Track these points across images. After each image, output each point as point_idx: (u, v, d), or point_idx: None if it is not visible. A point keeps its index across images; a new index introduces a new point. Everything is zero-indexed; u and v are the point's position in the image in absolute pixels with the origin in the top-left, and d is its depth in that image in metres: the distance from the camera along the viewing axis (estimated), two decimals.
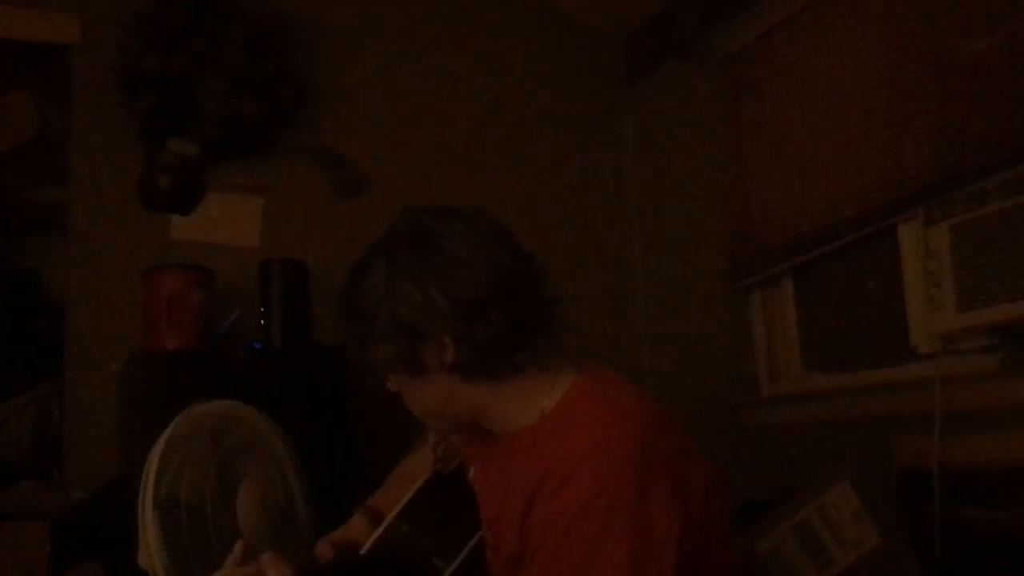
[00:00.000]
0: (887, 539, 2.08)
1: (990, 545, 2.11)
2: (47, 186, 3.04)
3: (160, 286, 2.47)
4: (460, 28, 3.44)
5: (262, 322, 2.56)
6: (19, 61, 2.99)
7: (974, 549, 2.13)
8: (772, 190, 2.93)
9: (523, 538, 1.24)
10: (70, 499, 2.39)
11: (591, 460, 1.16)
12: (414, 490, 1.46)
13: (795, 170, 2.84)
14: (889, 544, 2.08)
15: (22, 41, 2.85)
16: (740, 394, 3.05)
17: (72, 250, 2.85)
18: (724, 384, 3.11)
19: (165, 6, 2.82)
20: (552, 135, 3.51)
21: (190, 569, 1.37)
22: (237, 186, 3.00)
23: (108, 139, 2.88)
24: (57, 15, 2.86)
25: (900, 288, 2.52)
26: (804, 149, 2.81)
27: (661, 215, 3.47)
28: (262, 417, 1.73)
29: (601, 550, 1.13)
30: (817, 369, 2.92)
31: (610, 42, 3.66)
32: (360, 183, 3.15)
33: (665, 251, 3.45)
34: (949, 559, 2.14)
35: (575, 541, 1.14)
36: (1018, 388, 2.17)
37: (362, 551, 1.39)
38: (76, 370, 2.77)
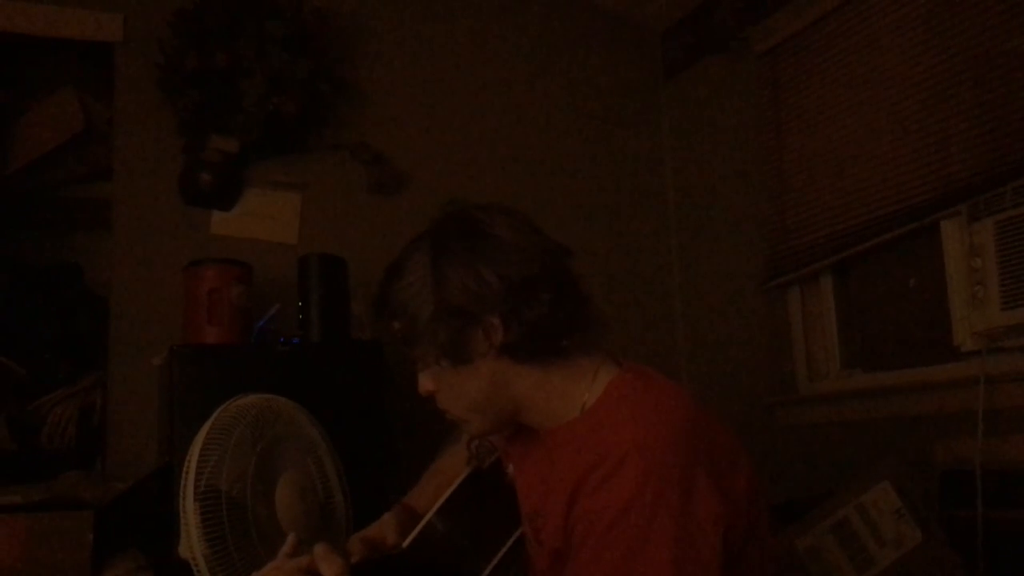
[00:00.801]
0: (929, 539, 2.05)
1: None
2: (91, 182, 3.09)
3: (200, 281, 2.50)
4: (497, 25, 3.44)
5: (300, 317, 2.58)
6: (65, 59, 3.04)
7: (1017, 550, 2.09)
8: (811, 186, 2.90)
9: (566, 533, 1.24)
10: (113, 490, 2.42)
11: (635, 455, 1.15)
12: (452, 488, 1.45)
13: (835, 166, 2.81)
14: (931, 544, 2.05)
15: (67, 39, 2.90)
16: (778, 393, 3.02)
17: (115, 245, 2.89)
18: (762, 382, 3.09)
19: (207, 5, 2.85)
20: (589, 131, 3.50)
21: (230, 559, 1.39)
22: (276, 182, 3.03)
23: (150, 136, 2.92)
24: (101, 14, 2.91)
25: (943, 285, 2.49)
26: (844, 145, 2.78)
27: (698, 211, 3.45)
28: (300, 411, 1.75)
29: (645, 545, 1.13)
30: (857, 368, 2.89)
31: (647, 38, 3.65)
32: (397, 180, 3.16)
33: (703, 248, 3.43)
34: (992, 560, 2.11)
35: (619, 536, 1.14)
36: None
37: (404, 544, 1.40)
38: (119, 363, 2.81)
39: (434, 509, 1.41)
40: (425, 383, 1.33)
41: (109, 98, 2.95)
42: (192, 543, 1.38)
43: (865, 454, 2.49)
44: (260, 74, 2.84)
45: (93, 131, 3.01)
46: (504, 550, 1.38)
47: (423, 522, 1.40)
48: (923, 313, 2.63)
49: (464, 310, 1.25)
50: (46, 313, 3.04)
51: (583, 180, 3.46)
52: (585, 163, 3.48)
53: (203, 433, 1.49)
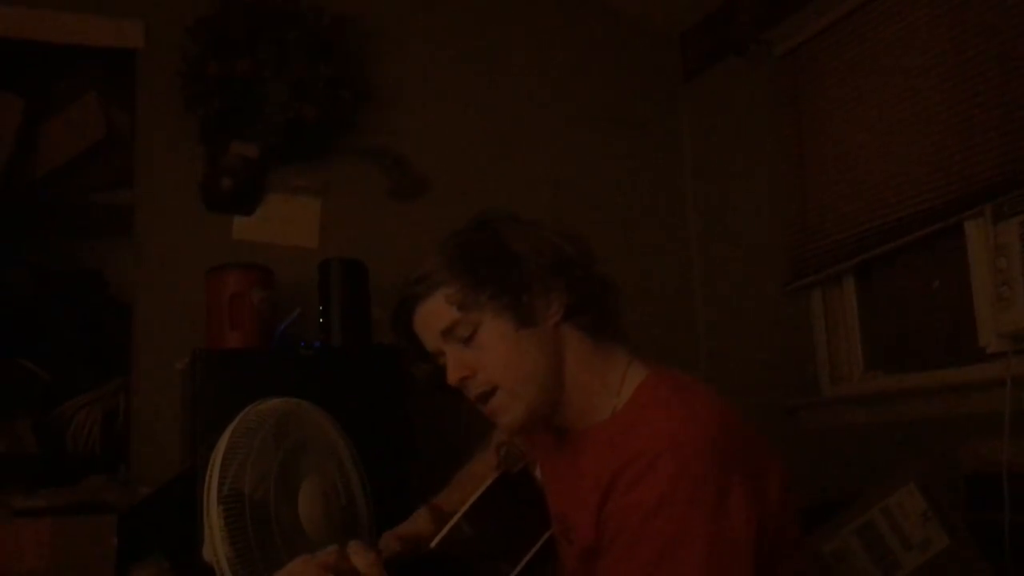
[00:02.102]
0: (955, 542, 2.03)
1: None
2: (114, 188, 3.11)
3: (222, 286, 2.52)
4: (516, 29, 3.44)
5: (321, 321, 2.59)
6: (87, 66, 3.06)
7: None
8: (833, 187, 2.88)
9: (597, 531, 1.24)
10: (137, 494, 2.44)
11: (669, 453, 1.15)
12: (480, 491, 1.45)
13: (857, 167, 2.79)
14: (957, 547, 2.03)
15: (89, 47, 2.92)
16: (801, 395, 3.00)
17: (138, 251, 2.92)
18: (784, 385, 3.07)
19: (228, 12, 2.87)
20: (609, 135, 3.50)
21: (254, 562, 1.39)
22: (297, 187, 3.04)
23: (172, 142, 2.95)
24: (123, 22, 2.93)
25: (967, 286, 2.47)
26: (866, 146, 2.76)
27: (719, 214, 3.44)
28: (322, 414, 1.75)
29: (679, 543, 1.13)
30: (880, 370, 2.87)
31: (666, 40, 3.64)
32: (418, 184, 3.17)
33: (724, 250, 3.41)
34: (1019, 563, 2.08)
35: (653, 533, 1.14)
36: None
37: (432, 545, 1.40)
38: (142, 368, 2.84)
39: (462, 511, 1.41)
40: (457, 369, 1.30)
41: (131, 105, 2.97)
42: (215, 546, 1.39)
43: (890, 457, 2.47)
44: (281, 80, 2.85)
45: (115, 138, 3.03)
46: (531, 553, 1.38)
47: (451, 523, 1.40)
48: (947, 314, 2.61)
49: (534, 271, 1.28)
50: (70, 319, 3.07)
51: (602, 183, 3.46)
52: (604, 166, 3.47)
53: (226, 436, 1.49)
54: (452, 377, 1.30)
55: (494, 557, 1.37)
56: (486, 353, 1.28)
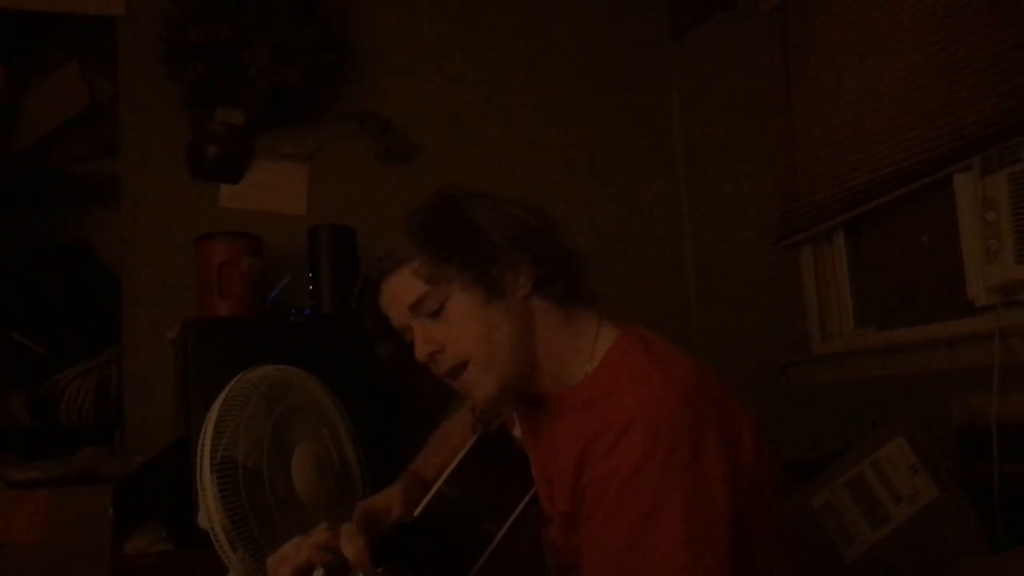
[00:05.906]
0: (944, 494, 2.06)
1: None
2: (99, 158, 3.08)
3: (211, 254, 2.51)
4: None
5: (311, 288, 2.59)
6: (68, 34, 3.03)
7: None
8: (822, 143, 2.87)
9: (575, 497, 1.25)
10: (132, 463, 2.45)
11: (641, 419, 1.16)
12: (460, 455, 1.45)
13: (846, 122, 2.78)
14: (946, 499, 2.05)
15: (70, 14, 2.88)
16: (791, 352, 3.01)
17: (125, 221, 2.90)
18: (774, 342, 3.08)
19: None
20: (597, 95, 3.47)
21: (248, 528, 1.40)
22: (284, 154, 3.02)
23: (157, 110, 2.92)
24: None
25: (956, 240, 2.47)
26: (855, 99, 2.75)
27: (709, 172, 3.43)
28: (314, 381, 1.75)
29: (658, 507, 1.14)
30: (870, 325, 2.88)
31: None
32: (406, 149, 3.15)
33: (714, 208, 3.40)
34: (1008, 515, 2.11)
35: (632, 499, 1.15)
36: None
37: (416, 513, 1.40)
38: (133, 338, 2.83)
39: (443, 477, 1.42)
40: (426, 344, 1.28)
41: (114, 73, 2.94)
42: (210, 513, 1.40)
43: (880, 412, 2.48)
44: (264, 45, 2.82)
45: (98, 107, 3.00)
46: (516, 513, 1.39)
47: (433, 490, 1.41)
48: (937, 269, 2.62)
49: (501, 244, 1.28)
50: (60, 290, 3.06)
51: (592, 143, 3.44)
52: (594, 126, 3.45)
53: (217, 404, 1.50)
54: (421, 352, 1.29)
55: (480, 519, 1.37)
56: (455, 327, 1.27)
